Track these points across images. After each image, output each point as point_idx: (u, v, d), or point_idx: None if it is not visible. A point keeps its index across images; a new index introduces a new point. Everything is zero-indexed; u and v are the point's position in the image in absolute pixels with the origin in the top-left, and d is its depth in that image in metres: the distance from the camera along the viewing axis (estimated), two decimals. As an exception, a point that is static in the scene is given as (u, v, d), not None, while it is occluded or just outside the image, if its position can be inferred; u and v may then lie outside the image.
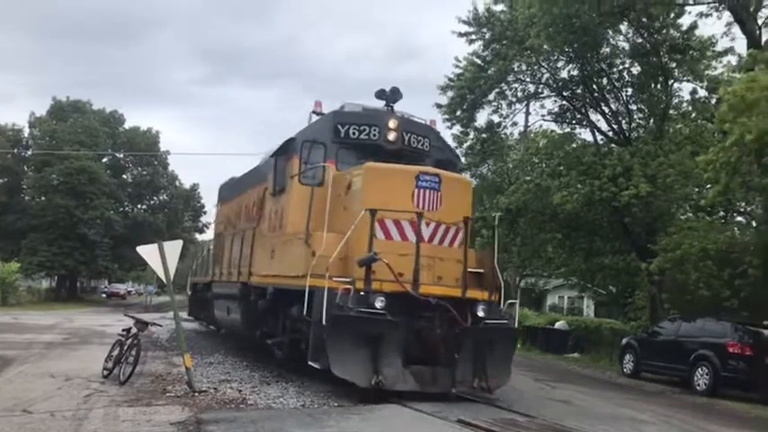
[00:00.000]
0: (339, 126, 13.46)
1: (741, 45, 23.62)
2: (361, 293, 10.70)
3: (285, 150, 13.95)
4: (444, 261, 11.76)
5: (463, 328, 11.31)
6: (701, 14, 24.39)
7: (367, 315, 10.54)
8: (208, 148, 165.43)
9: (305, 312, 10.94)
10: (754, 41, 21.67)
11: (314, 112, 14.72)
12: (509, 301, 12.81)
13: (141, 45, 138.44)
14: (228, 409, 9.70)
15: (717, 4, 23.54)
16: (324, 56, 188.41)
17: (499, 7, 28.05)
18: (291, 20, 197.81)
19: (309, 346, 11.08)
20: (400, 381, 10.79)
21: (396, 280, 10.90)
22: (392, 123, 13.47)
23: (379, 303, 10.61)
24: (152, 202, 60.72)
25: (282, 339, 13.07)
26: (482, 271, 12.46)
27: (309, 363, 11.06)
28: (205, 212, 62.65)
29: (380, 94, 14.23)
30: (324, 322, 10.45)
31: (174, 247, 11.96)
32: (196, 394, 10.59)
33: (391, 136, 13.40)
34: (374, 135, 13.39)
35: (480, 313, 11.53)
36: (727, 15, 23.44)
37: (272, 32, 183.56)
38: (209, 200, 63.03)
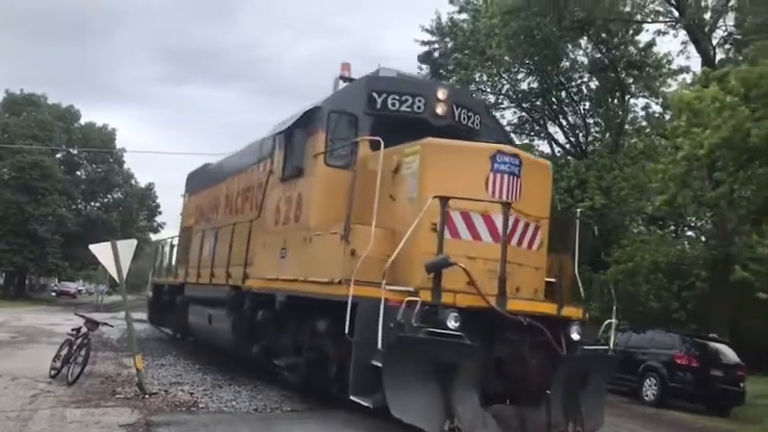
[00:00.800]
0: (374, 94, 10.91)
1: (696, 64, 24.29)
2: (427, 308, 8.15)
3: (306, 123, 11.20)
4: (522, 268, 9.28)
5: (558, 357, 8.86)
6: (658, 32, 25.11)
7: (439, 337, 8.03)
8: (165, 148, 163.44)
9: (347, 330, 8.30)
10: (708, 61, 22.31)
11: (341, 77, 12.20)
12: (607, 321, 9.92)
13: (101, 42, 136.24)
14: (179, 412, 9.54)
15: (674, 23, 24.19)
16: (286, 60, 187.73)
17: (462, 16, 28.34)
18: (254, 23, 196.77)
19: (351, 376, 8.54)
20: (479, 425, 8.28)
21: (476, 291, 8.42)
22: (441, 93, 11.03)
23: (452, 322, 8.09)
24: (106, 200, 59.63)
25: (297, 360, 10.70)
26: (553, 280, 9.94)
27: (352, 398, 8.53)
28: (161, 212, 61.96)
29: (426, 58, 12.07)
30: (379, 346, 7.93)
31: (127, 247, 11.76)
32: (146, 396, 10.39)
33: (440, 109, 10.93)
34: (418, 107, 10.89)
35: (575, 336, 9.14)
36: (683, 34, 24.15)
37: (234, 34, 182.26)
38: (165, 200, 62.37)
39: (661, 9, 25.07)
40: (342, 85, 12.03)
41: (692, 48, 24.13)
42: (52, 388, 10.88)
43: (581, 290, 9.96)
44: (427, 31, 28.75)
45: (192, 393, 11.07)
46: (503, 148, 9.60)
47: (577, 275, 9.97)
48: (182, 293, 17.01)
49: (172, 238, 20.79)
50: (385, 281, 8.16)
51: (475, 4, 28.00)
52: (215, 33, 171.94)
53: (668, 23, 24.82)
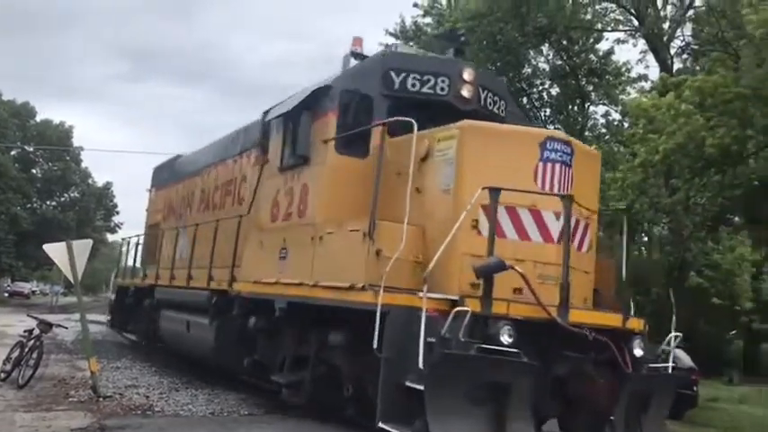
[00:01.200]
0: (392, 74, 9.66)
1: (654, 73, 24.78)
2: (474, 320, 6.93)
3: (313, 104, 9.73)
4: (573, 272, 7.87)
5: (624, 375, 7.64)
6: (618, 40, 25.53)
7: (495, 356, 6.78)
8: (125, 147, 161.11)
9: (375, 345, 7.11)
10: (666, 70, 22.72)
11: (353, 53, 10.78)
12: (673, 334, 8.53)
13: (59, 39, 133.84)
14: (134, 416, 9.38)
15: (633, 32, 24.66)
16: (250, 61, 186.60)
17: (427, 20, 28.45)
18: (217, 22, 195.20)
19: (380, 399, 7.28)
20: None
21: (534, 300, 7.26)
22: (467, 74, 9.89)
23: (506, 336, 6.89)
24: (62, 198, 58.57)
25: (300, 377, 9.40)
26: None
27: (381, 425, 7.21)
28: (118, 212, 61.22)
29: (450, 35, 10.93)
30: (421, 365, 6.72)
31: (82, 247, 11.56)
32: (101, 400, 10.21)
33: (466, 91, 9.81)
34: (442, 89, 9.70)
35: (638, 351, 7.89)
36: (642, 43, 24.63)
37: (195, 34, 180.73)
38: (123, 199, 61.55)
39: (621, 18, 25.53)
40: (353, 62, 10.69)
41: (650, 57, 24.64)
42: (2, 391, 10.65)
43: (630, 300, 8.70)
44: (391, 34, 28.80)
45: (147, 397, 10.91)
46: (554, 134, 8.59)
47: (624, 281, 8.85)
48: (151, 297, 15.58)
49: (138, 236, 19.44)
50: (426, 287, 6.98)
51: (439, 9, 28.13)
52: (177, 32, 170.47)
53: (628, 32, 25.30)
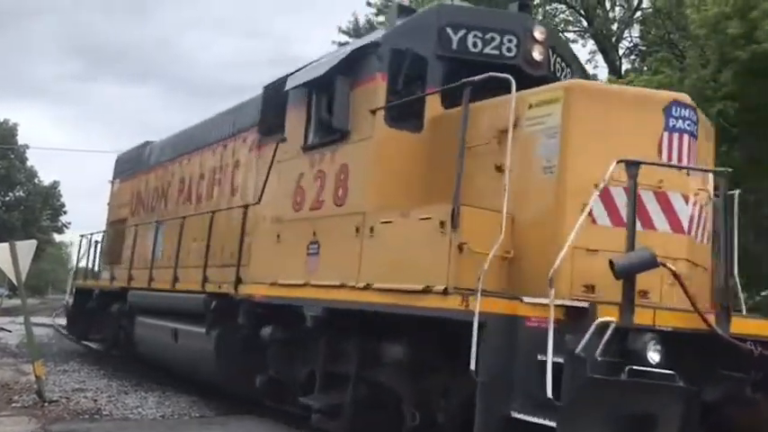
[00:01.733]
0: (449, 30, 7.97)
1: (603, 73, 25.29)
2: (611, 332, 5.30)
3: (352, 67, 8.01)
4: (699, 270, 6.65)
5: None
6: (567, 41, 25.95)
7: (651, 380, 5.21)
8: (74, 146, 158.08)
9: (473, 366, 5.54)
10: (614, 70, 23.24)
11: (400, 6, 9.09)
12: None
13: (8, 37, 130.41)
14: (81, 420, 9.19)
15: (582, 33, 25.16)
16: (201, 59, 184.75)
17: (380, 18, 28.51)
18: (169, 20, 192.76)
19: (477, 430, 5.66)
20: None
21: (693, 308, 5.58)
22: (539, 33, 8.22)
23: (653, 353, 5.34)
24: (7, 198, 57.30)
25: (338, 399, 7.69)
26: None
27: None
28: (66, 212, 60.17)
29: None
30: (549, 394, 5.09)
31: (26, 248, 11.29)
32: (46, 404, 9.96)
33: (537, 53, 8.15)
34: (509, 50, 8.03)
35: None
36: (591, 44, 25.13)
37: (147, 32, 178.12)
38: (72, 200, 60.45)
39: (571, 19, 26.01)
40: (399, 20, 8.70)
41: (599, 57, 25.18)
42: (-58, 397, 10.34)
43: (741, 298, 7.32)
44: (344, 32, 28.84)
45: (95, 400, 10.69)
46: (680, 98, 6.83)
47: (737, 278, 7.24)
48: (121, 301, 13.70)
49: (102, 232, 17.48)
50: (553, 291, 5.34)
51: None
52: (131, 31, 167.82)
53: (578, 33, 25.78)
